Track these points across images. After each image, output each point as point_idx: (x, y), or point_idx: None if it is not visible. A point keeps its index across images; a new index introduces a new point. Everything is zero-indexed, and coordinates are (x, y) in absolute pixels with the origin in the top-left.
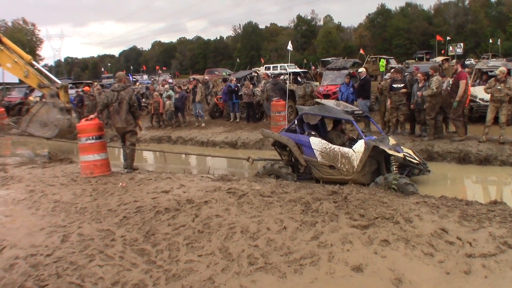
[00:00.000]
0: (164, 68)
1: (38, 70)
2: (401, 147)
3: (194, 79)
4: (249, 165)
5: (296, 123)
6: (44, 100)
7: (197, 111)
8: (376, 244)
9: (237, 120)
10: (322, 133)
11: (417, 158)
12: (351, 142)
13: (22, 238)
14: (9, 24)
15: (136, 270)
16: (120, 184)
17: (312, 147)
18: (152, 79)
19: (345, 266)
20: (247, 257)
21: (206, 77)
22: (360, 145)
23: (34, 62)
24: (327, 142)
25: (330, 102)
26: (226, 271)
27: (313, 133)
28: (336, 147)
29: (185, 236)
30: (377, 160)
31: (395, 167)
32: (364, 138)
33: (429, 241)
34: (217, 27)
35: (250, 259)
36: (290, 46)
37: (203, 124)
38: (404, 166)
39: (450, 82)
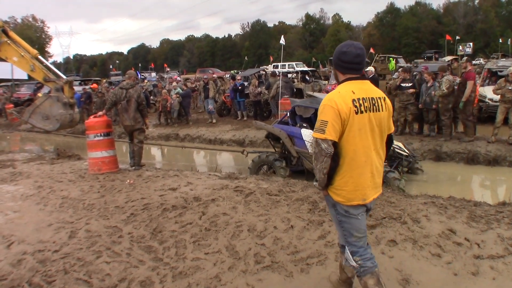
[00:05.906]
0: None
1: (45, 65)
2: None
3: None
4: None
5: (288, 115)
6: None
7: (208, 108)
8: (384, 244)
9: (245, 118)
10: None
11: (406, 151)
12: None
13: (30, 233)
14: (19, 21)
15: (143, 267)
16: (128, 181)
17: (304, 138)
18: (160, 76)
19: None
20: (254, 255)
21: (214, 75)
22: None
23: (41, 58)
24: None
25: (322, 95)
26: (233, 269)
27: (304, 125)
28: None
29: (192, 234)
30: None
31: None
32: None
33: (437, 242)
34: (231, 24)
35: (256, 258)
36: (282, 40)
37: (214, 121)
38: (394, 158)
39: (458, 82)
